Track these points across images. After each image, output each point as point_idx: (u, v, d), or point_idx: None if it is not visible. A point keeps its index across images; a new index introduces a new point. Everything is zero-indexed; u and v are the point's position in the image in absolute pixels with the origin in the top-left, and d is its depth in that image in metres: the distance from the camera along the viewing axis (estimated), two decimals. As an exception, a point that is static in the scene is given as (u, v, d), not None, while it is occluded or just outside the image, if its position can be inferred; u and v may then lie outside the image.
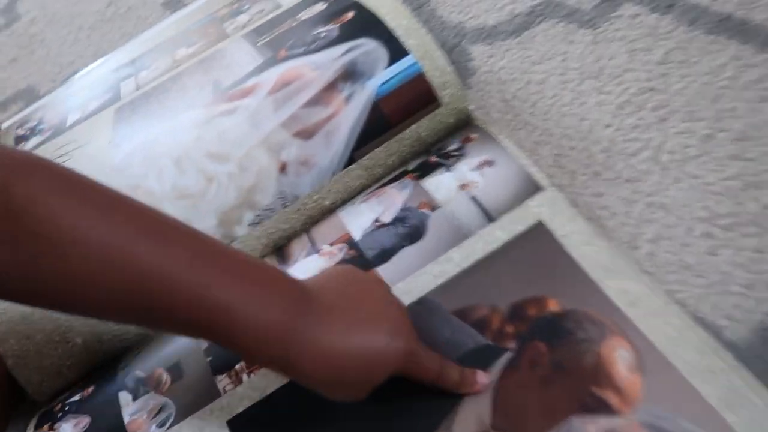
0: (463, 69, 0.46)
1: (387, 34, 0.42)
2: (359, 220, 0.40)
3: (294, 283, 0.28)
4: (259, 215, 0.40)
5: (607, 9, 0.45)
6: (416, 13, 0.51)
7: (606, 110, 0.40)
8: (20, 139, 0.56)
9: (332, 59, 0.43)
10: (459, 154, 0.40)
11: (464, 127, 0.42)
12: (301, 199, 0.41)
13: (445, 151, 0.41)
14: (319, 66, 0.43)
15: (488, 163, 0.38)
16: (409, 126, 0.41)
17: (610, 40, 0.44)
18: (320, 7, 0.49)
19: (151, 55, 0.56)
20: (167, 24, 0.62)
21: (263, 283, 0.26)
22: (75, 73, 0.61)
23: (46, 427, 0.37)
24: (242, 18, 0.55)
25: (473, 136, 0.41)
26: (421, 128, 0.41)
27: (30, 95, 0.63)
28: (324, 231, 0.41)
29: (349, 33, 0.43)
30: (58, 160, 0.48)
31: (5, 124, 0.61)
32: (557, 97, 0.42)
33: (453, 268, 0.35)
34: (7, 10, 0.77)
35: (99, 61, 0.60)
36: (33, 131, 0.56)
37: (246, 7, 0.56)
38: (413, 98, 0.42)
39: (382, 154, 0.42)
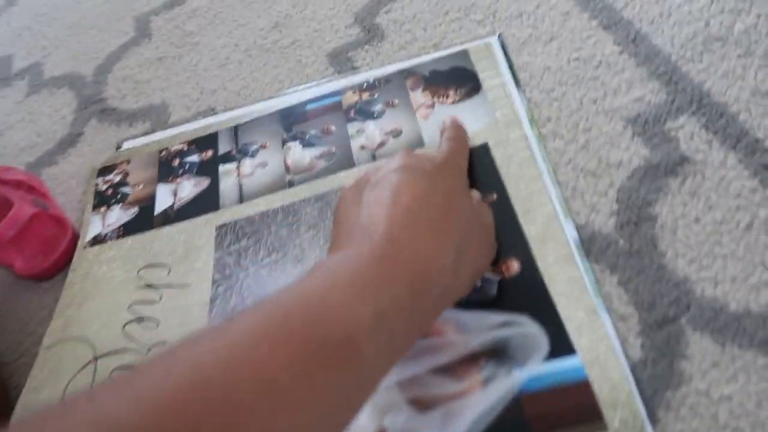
0: (665, 371, 0.33)
1: (555, 322, 0.34)
2: None
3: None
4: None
5: None
6: (635, 258, 0.38)
7: None
8: (101, 198, 0.51)
9: (483, 327, 0.33)
10: None
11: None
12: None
13: None
14: (467, 329, 0.33)
15: None
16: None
17: None
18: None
19: (261, 132, 0.50)
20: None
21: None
22: (212, 110, 0.54)
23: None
24: (372, 132, 0.46)
25: None
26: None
27: (159, 116, 0.57)
28: None
29: (509, 298, 0.35)
30: (145, 295, 0.42)
31: (126, 144, 0.56)
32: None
33: None
34: (176, -15, 0.71)
35: (214, 118, 0.53)
36: (115, 194, 0.51)
37: (377, 108, 0.47)
38: (570, 409, 0.31)
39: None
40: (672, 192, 0.39)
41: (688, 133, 0.41)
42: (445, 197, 0.31)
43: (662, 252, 0.37)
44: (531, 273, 0.37)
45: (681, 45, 0.45)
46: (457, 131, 0.41)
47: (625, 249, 0.38)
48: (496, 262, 0.37)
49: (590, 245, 0.38)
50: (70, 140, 0.59)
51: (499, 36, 0.51)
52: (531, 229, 0.38)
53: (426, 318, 0.28)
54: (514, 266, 0.37)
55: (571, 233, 0.39)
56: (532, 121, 0.44)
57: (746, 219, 0.37)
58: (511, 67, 0.48)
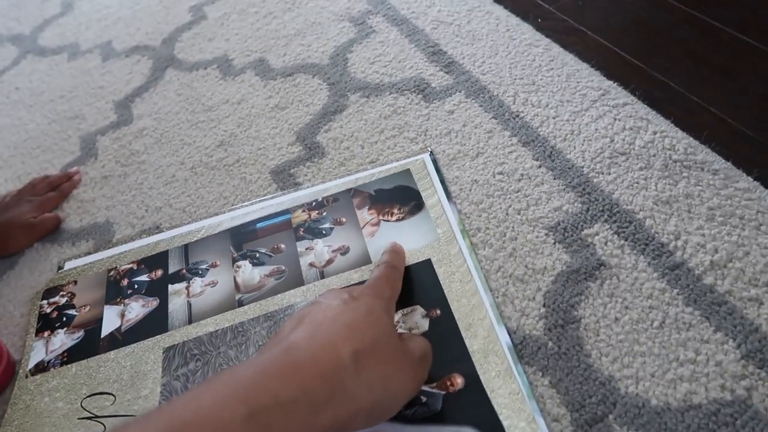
0: (599, 469, 0.35)
1: (498, 429, 0.37)
2: None
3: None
4: None
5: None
6: (563, 360, 0.41)
7: None
8: (45, 322, 0.51)
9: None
10: None
11: None
12: None
13: None
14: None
15: None
16: None
17: None
18: (424, 325, 0.43)
19: (212, 251, 0.53)
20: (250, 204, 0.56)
21: None
22: (158, 228, 0.56)
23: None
24: (321, 250, 0.49)
25: None
26: None
27: (103, 235, 0.59)
28: None
29: (454, 411, 0.38)
30: (88, 427, 0.43)
31: (69, 265, 0.56)
32: None
33: None
34: (123, 105, 0.75)
35: (161, 236, 0.55)
36: (60, 317, 0.51)
37: (326, 226, 0.51)
38: None
39: None
40: (592, 295, 0.43)
41: (602, 239, 0.46)
42: (357, 314, 0.34)
43: (587, 352, 0.40)
44: (475, 387, 0.39)
45: (591, 159, 0.51)
46: (393, 257, 0.44)
47: (554, 351, 0.41)
48: (439, 378, 0.40)
49: (522, 348, 0.41)
50: (10, 262, 0.59)
51: (431, 153, 0.56)
52: (473, 344, 0.41)
53: (317, 415, 0.28)
54: (458, 382, 0.40)
55: (504, 338, 0.42)
56: (464, 231, 0.49)
57: (659, 318, 0.41)
58: (442, 181, 0.53)
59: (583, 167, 0.51)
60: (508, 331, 0.42)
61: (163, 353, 0.46)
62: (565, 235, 0.47)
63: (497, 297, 0.45)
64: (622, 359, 0.40)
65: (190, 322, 0.48)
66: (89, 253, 0.57)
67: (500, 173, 0.53)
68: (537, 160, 0.53)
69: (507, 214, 0.50)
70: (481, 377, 0.39)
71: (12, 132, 0.78)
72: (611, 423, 0.37)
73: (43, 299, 0.53)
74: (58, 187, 0.65)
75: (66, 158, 0.71)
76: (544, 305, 0.43)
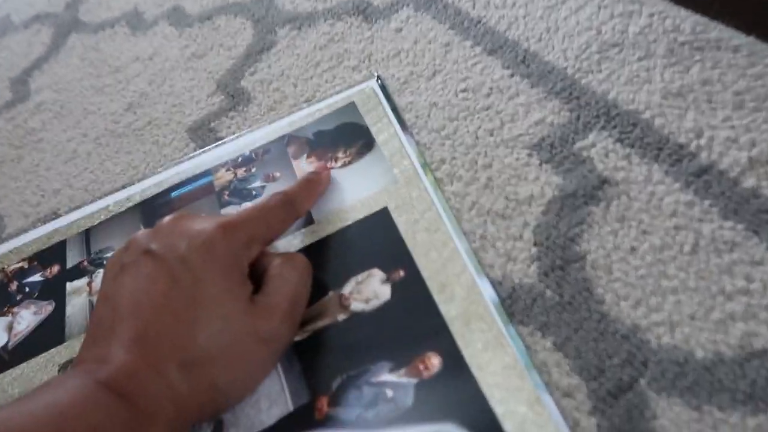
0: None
1: (490, 423, 0.26)
2: None
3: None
4: None
5: None
6: (569, 312, 0.30)
7: None
8: None
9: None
10: None
11: None
12: None
13: None
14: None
15: None
16: None
17: None
18: (385, 293, 0.31)
19: (119, 234, 0.42)
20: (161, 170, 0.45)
21: None
22: (55, 214, 0.45)
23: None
24: None
25: None
26: None
27: (-8, 231, 0.47)
28: None
29: (431, 403, 0.28)
30: None
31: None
32: None
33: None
34: (20, 81, 0.63)
35: (58, 222, 0.44)
36: None
37: (256, 185, 0.41)
38: None
39: None
40: (597, 222, 0.32)
41: (601, 150, 0.35)
42: (187, 299, 0.28)
43: (600, 297, 0.30)
44: (456, 366, 0.29)
45: (575, 57, 0.40)
46: (297, 188, 0.36)
47: (555, 301, 0.30)
48: (408, 362, 0.29)
49: (513, 304, 0.31)
50: None
51: (378, 78, 0.45)
52: (450, 309, 0.31)
53: None
54: (434, 363, 0.29)
55: (489, 294, 0.31)
56: (425, 166, 0.38)
57: (690, 239, 0.30)
58: (395, 109, 0.42)
59: (566, 68, 0.40)
60: (492, 284, 0.31)
61: (58, 371, 0.35)
62: (552, 152, 0.36)
63: (474, 242, 0.34)
64: (648, 301, 0.29)
65: None
66: (-26, 255, 0.46)
67: (464, 90, 0.42)
68: (508, 68, 0.42)
69: (477, 137, 0.39)
70: (463, 352, 0.29)
71: None
72: (644, 390, 0.26)
73: None
74: None
75: (-47, 150, 0.59)
76: (535, 244, 0.33)
